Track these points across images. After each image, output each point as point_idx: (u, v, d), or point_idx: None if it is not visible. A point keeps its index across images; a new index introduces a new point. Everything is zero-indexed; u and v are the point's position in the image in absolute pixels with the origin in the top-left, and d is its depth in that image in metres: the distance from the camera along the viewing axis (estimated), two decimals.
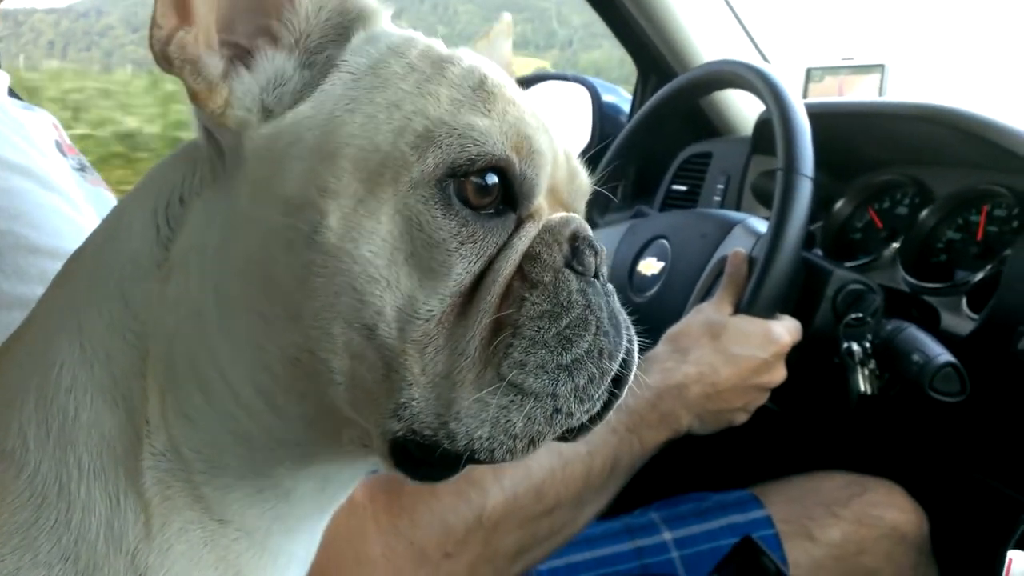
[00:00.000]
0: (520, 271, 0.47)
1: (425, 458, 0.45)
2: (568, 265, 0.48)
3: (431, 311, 0.44)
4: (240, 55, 0.46)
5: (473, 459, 0.45)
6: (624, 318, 0.51)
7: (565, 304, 0.46)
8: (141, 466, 0.45)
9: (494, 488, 0.84)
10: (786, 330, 1.01)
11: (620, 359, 0.49)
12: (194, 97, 0.44)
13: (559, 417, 0.45)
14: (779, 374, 1.00)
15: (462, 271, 0.45)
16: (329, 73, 0.46)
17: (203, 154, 0.48)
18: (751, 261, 1.07)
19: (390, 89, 0.45)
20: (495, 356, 0.45)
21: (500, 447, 0.44)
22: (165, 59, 0.43)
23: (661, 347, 1.02)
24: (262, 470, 0.49)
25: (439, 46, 0.50)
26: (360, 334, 0.43)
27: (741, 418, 1.01)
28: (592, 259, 0.49)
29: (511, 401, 0.44)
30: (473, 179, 0.45)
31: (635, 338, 0.51)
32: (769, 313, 1.02)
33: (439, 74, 0.46)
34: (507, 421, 0.44)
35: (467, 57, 0.49)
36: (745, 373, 0.98)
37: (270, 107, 0.45)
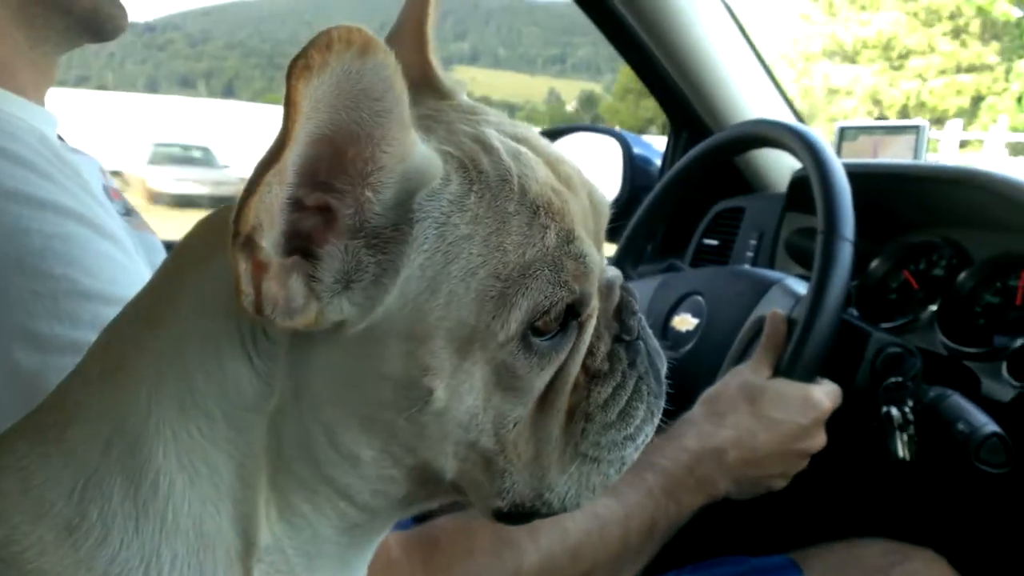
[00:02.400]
0: (583, 365, 0.54)
1: (523, 519, 0.55)
2: (617, 339, 0.56)
3: (518, 417, 0.52)
4: (306, 249, 0.45)
5: (562, 512, 0.56)
6: (659, 354, 0.60)
7: (621, 383, 0.56)
8: (250, 565, 0.48)
9: (529, 548, 0.83)
10: (826, 395, 1.00)
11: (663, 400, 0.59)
12: (294, 332, 0.46)
13: (625, 467, 0.56)
14: (819, 440, 0.99)
15: (540, 385, 0.52)
16: (402, 253, 0.46)
17: None
18: (790, 323, 1.06)
19: (463, 258, 0.47)
20: (572, 437, 0.54)
21: (584, 499, 0.56)
22: (268, 323, 0.44)
23: (698, 409, 1.01)
24: (360, 548, 0.56)
25: (487, 164, 0.49)
26: (466, 447, 0.52)
27: (780, 484, 1.00)
28: (634, 322, 0.57)
29: (590, 469, 0.55)
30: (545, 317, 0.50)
31: (665, 367, 0.61)
32: (809, 377, 1.01)
33: (501, 223, 0.48)
34: (588, 482, 0.55)
35: (511, 163, 0.49)
36: (784, 439, 0.97)
37: (355, 301, 0.46)
